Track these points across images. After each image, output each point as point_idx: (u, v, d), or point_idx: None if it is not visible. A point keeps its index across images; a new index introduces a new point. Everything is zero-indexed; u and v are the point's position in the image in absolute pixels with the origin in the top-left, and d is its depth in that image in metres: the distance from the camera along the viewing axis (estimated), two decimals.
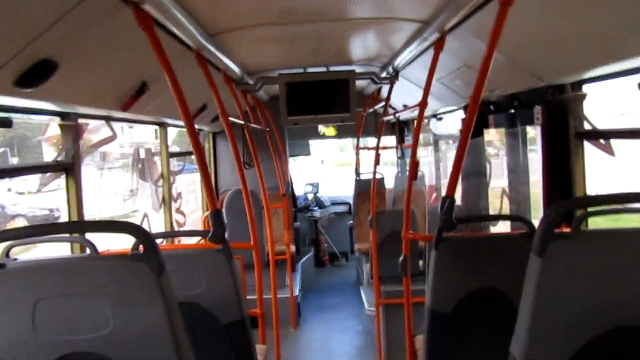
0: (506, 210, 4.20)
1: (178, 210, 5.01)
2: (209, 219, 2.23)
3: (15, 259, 1.99)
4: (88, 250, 2.48)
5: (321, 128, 7.89)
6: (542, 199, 3.00)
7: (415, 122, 6.81)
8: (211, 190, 2.27)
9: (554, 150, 2.83)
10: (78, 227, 1.46)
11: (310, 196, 8.53)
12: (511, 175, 3.69)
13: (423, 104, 3.04)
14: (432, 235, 2.29)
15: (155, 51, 2.01)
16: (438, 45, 2.80)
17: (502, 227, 4.18)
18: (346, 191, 9.49)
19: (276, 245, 5.15)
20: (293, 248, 6.26)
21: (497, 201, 4.37)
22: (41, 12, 1.62)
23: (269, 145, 5.69)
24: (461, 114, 4.72)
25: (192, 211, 6.66)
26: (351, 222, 7.14)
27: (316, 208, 8.35)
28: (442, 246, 2.22)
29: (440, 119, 5.24)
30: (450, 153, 6.31)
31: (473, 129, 2.26)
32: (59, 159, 2.83)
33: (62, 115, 2.75)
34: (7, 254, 1.99)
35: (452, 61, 3.22)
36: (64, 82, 2.10)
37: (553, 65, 2.51)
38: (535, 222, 2.43)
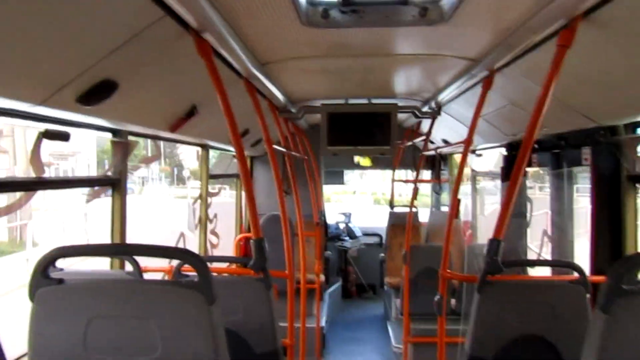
0: (545, 253, 4.07)
1: (212, 232, 5.07)
2: (252, 247, 2.22)
3: (61, 269, 2.04)
4: (128, 265, 2.53)
5: (357, 158, 7.90)
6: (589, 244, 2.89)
7: (451, 156, 6.80)
8: (255, 216, 2.27)
9: (603, 194, 2.75)
10: (136, 250, 1.48)
11: (342, 225, 8.48)
12: (555, 217, 3.59)
13: (468, 141, 3.02)
14: (471, 275, 2.23)
15: (211, 77, 2.08)
16: (486, 83, 2.79)
17: (540, 271, 4.05)
18: (377, 222, 9.41)
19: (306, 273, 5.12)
20: (323, 277, 6.20)
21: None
22: (110, 35, 1.71)
23: (305, 173, 5.73)
24: (494, 151, 4.67)
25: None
26: (382, 254, 7.04)
27: (347, 238, 8.28)
28: (486, 289, 2.15)
29: (480, 155, 5.17)
30: (489, 191, 6.21)
31: (511, 168, 2.21)
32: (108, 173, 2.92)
33: (114, 132, 2.86)
34: (53, 263, 2.04)
35: (498, 99, 3.20)
36: (121, 101, 2.19)
37: (606, 106, 2.46)
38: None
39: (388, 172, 7.90)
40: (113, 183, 2.93)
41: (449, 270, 3.05)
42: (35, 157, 2.29)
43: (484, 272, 2.14)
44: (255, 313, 2.23)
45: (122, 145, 2.91)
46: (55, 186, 2.86)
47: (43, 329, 1.33)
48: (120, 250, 1.75)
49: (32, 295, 1.33)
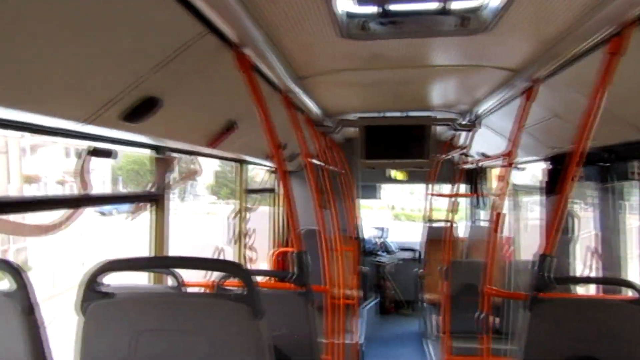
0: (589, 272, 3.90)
1: (250, 247, 5.09)
2: (294, 260, 2.21)
3: (108, 285, 2.07)
4: (169, 280, 2.55)
5: (392, 172, 7.83)
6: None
7: (488, 170, 6.64)
8: (297, 230, 2.26)
9: None
10: (185, 263, 1.49)
11: (378, 241, 8.39)
12: (604, 233, 3.43)
13: (511, 154, 2.93)
14: (516, 292, 2.15)
15: (251, 92, 2.10)
16: (528, 94, 2.72)
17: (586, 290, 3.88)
18: (413, 237, 9.26)
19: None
20: (360, 293, 6.13)
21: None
22: (154, 52, 1.75)
23: (341, 187, 5.71)
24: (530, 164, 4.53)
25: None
26: (420, 270, 6.90)
27: (383, 253, 8.18)
28: (536, 307, 2.06)
29: (523, 168, 5.03)
30: (530, 205, 6.03)
31: (554, 183, 2.13)
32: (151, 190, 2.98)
33: (156, 148, 2.92)
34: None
35: (540, 110, 3.11)
36: (162, 118, 2.23)
37: None
38: None
39: (407, 187, 7.78)
40: (155, 199, 2.99)
41: (492, 287, 2.95)
42: (82, 174, 2.35)
43: (534, 289, 2.05)
44: (296, 328, 2.20)
45: (163, 162, 2.97)
46: (100, 202, 2.93)
47: (92, 342, 1.34)
48: (168, 263, 1.76)
49: (82, 308, 1.35)
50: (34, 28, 1.28)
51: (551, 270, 2.04)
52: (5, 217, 2.06)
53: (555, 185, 4.08)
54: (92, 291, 1.35)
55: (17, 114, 1.65)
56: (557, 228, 2.08)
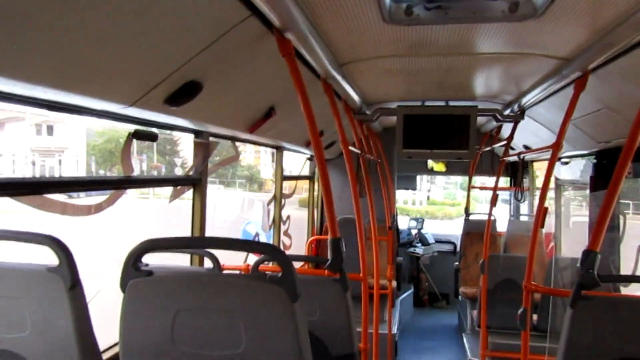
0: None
1: (285, 233, 5.14)
2: (329, 247, 2.20)
3: (147, 265, 2.13)
4: (208, 262, 2.60)
5: (430, 163, 7.71)
6: None
7: (530, 163, 6.43)
8: (333, 217, 2.25)
9: None
10: (225, 244, 1.50)
11: (414, 232, 8.31)
12: None
13: (557, 147, 2.82)
14: (559, 289, 2.07)
15: (292, 77, 2.09)
16: (579, 85, 2.60)
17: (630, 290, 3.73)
18: (451, 230, 9.12)
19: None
20: (395, 283, 6.10)
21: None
22: (198, 36, 1.76)
23: (377, 176, 5.66)
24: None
25: None
26: (457, 263, 6.81)
27: (419, 244, 8.10)
28: (580, 305, 1.99)
29: (566, 163, 4.85)
30: (574, 201, 5.83)
31: (602, 178, 2.03)
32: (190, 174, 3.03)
33: (196, 132, 2.96)
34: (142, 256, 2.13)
35: (591, 102, 2.97)
36: (204, 102, 2.26)
37: None
38: None
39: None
40: (194, 183, 3.04)
41: (534, 283, 2.87)
42: (125, 156, 2.41)
43: (578, 286, 1.98)
44: (331, 314, 2.20)
45: (203, 146, 3.01)
46: (142, 185, 3.01)
47: (133, 319, 1.38)
48: (208, 243, 1.78)
49: (124, 286, 1.39)
50: (83, 13, 1.31)
51: (594, 266, 1.96)
52: (52, 196, 2.14)
53: (602, 181, 3.93)
54: (134, 269, 1.38)
55: (66, 97, 1.70)
56: (605, 224, 2.00)
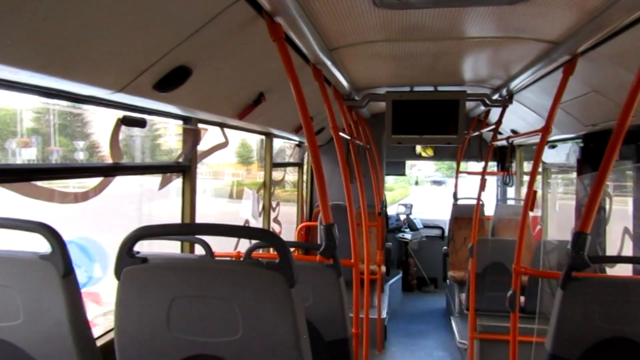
0: (626, 251, 3.81)
1: (275, 220, 5.14)
2: (322, 233, 2.20)
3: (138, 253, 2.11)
4: (198, 250, 2.59)
5: (418, 148, 7.74)
6: None
7: (518, 148, 6.49)
8: (326, 203, 2.24)
9: None
10: (219, 230, 1.49)
11: (403, 217, 8.35)
12: (638, 214, 3.33)
13: (546, 130, 2.84)
14: (547, 271, 2.10)
15: (284, 62, 2.07)
16: (567, 68, 2.61)
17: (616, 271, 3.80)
18: (439, 214, 9.18)
19: None
20: (384, 268, 6.14)
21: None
22: (187, 20, 1.73)
23: (366, 162, 5.67)
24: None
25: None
26: (445, 247, 6.88)
27: (407, 230, 8.15)
28: (570, 286, 2.02)
29: (554, 146, 4.90)
30: (561, 185, 5.90)
31: (589, 161, 2.05)
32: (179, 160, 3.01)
33: (184, 119, 2.93)
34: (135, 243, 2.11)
35: (579, 86, 2.99)
36: (193, 88, 2.23)
37: None
38: None
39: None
40: (184, 170, 3.02)
41: (523, 266, 2.91)
42: (113, 143, 2.38)
43: (569, 268, 2.01)
44: (325, 300, 2.21)
45: (192, 133, 2.98)
46: (131, 172, 2.98)
47: (128, 306, 1.37)
48: (203, 230, 1.76)
49: (118, 273, 1.37)
50: None
51: (584, 248, 1.99)
52: (39, 183, 2.10)
53: (589, 164, 3.98)
54: (128, 256, 1.37)
55: (52, 81, 1.66)
56: (595, 206, 2.02)
